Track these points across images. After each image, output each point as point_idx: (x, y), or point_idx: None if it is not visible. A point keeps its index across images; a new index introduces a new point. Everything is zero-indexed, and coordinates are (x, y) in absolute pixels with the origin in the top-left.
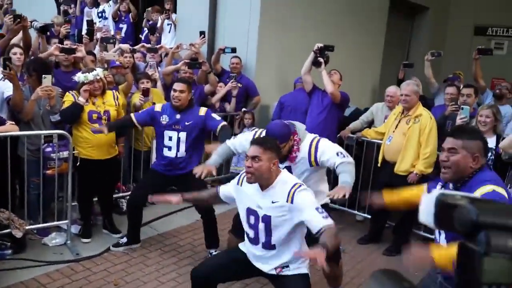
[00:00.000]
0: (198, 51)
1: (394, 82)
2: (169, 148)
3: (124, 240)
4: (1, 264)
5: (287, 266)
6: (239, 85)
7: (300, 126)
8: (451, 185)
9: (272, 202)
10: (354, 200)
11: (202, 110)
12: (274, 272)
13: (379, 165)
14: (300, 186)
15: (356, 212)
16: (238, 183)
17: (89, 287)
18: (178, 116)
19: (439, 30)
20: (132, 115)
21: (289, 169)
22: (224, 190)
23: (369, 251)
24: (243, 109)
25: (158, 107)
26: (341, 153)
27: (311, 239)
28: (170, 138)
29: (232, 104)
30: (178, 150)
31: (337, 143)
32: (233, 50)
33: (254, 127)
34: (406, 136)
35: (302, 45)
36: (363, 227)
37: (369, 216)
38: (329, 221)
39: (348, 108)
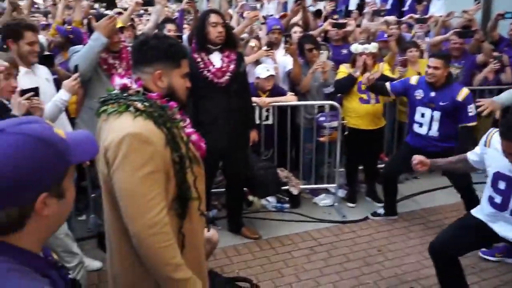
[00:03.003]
0: (471, 18)
1: None
2: (420, 125)
3: (382, 211)
4: (280, 215)
5: None
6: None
7: None
8: None
9: None
10: None
11: (462, 94)
12: None
13: None
14: None
15: None
16: (485, 145)
17: (355, 248)
18: (433, 94)
19: None
20: (387, 83)
21: None
22: (472, 156)
23: None
24: None
25: (413, 80)
26: None
27: None
28: (423, 115)
29: (508, 73)
30: (430, 128)
31: None
32: None
33: None
34: None
35: None
36: None
37: None
38: None
39: None
